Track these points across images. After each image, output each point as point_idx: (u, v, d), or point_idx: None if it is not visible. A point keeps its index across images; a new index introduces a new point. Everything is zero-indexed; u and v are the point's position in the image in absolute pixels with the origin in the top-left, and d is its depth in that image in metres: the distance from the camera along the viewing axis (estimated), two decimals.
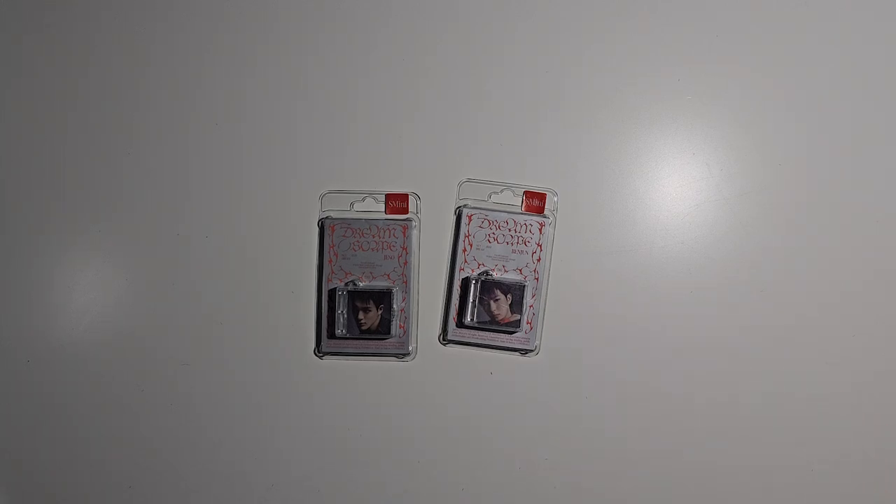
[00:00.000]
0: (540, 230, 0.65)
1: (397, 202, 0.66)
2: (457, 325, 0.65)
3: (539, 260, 0.65)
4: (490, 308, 0.64)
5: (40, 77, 0.68)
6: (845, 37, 0.67)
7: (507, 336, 0.65)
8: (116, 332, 0.67)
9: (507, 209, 0.66)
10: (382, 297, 0.64)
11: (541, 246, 0.65)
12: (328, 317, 0.65)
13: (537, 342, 0.65)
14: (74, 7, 0.68)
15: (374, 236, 0.65)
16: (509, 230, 0.65)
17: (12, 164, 0.67)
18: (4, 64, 0.68)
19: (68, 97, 0.68)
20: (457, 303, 0.65)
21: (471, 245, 0.66)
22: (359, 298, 0.64)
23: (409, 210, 0.66)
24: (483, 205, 0.66)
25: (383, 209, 0.66)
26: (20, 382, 0.67)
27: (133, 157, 0.67)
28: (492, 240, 0.65)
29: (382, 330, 0.64)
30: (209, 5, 0.68)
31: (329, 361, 0.66)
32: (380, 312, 0.64)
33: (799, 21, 0.67)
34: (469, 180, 0.66)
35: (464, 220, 0.65)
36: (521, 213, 0.65)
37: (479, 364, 0.66)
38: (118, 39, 0.68)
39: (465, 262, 0.66)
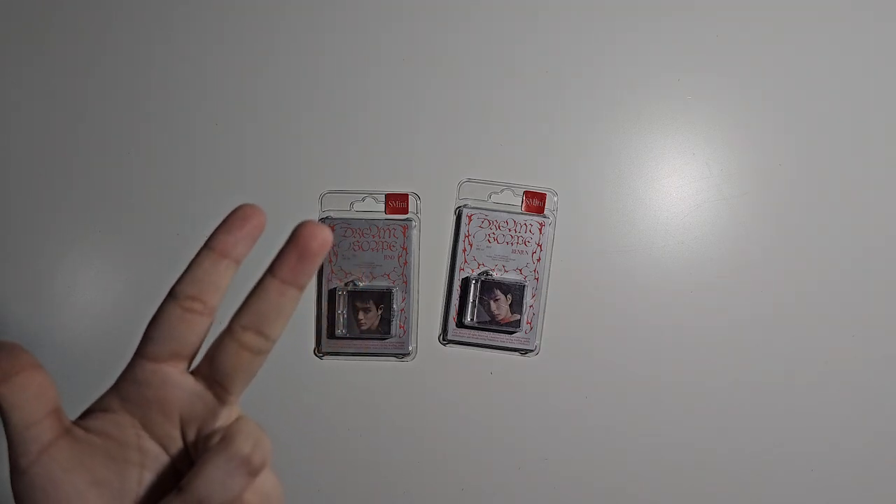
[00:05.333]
0: (540, 230, 0.65)
1: (397, 202, 0.66)
2: (457, 325, 0.65)
3: (539, 260, 0.65)
4: (490, 308, 0.64)
5: (41, 77, 0.68)
6: (846, 37, 0.67)
7: (507, 336, 0.65)
8: (117, 332, 0.67)
9: (507, 209, 0.66)
10: (382, 297, 0.64)
11: (541, 246, 0.65)
12: (328, 317, 0.65)
13: (537, 342, 0.65)
14: (77, 8, 0.68)
15: (374, 236, 0.65)
16: (509, 230, 0.65)
17: (13, 164, 0.67)
18: (6, 64, 0.68)
19: (69, 98, 0.68)
20: (457, 303, 0.65)
21: (471, 245, 0.66)
22: (359, 298, 0.64)
23: (409, 210, 0.66)
24: (483, 205, 0.66)
25: (383, 209, 0.66)
26: None
27: (133, 156, 0.67)
28: (492, 240, 0.65)
29: (382, 330, 0.64)
30: (210, 5, 0.68)
31: (329, 361, 0.66)
32: (380, 312, 0.64)
33: (799, 21, 0.67)
34: (469, 180, 0.66)
35: (464, 220, 0.65)
36: (521, 213, 0.65)
37: (479, 364, 0.66)
38: (119, 39, 0.68)
39: (465, 262, 0.66)
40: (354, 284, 0.65)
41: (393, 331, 0.65)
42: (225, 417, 0.29)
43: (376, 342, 0.65)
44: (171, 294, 0.29)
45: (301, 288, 0.28)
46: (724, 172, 0.67)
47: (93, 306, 0.67)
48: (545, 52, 0.67)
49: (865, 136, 0.66)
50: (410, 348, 0.66)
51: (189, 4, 0.68)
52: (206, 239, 0.64)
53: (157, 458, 0.29)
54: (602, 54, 0.67)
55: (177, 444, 0.29)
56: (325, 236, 0.28)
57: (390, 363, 0.66)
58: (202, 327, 0.29)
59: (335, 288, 0.65)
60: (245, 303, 0.29)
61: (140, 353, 0.29)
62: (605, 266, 0.66)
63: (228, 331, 0.29)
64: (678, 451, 0.65)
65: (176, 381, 0.29)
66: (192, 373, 0.30)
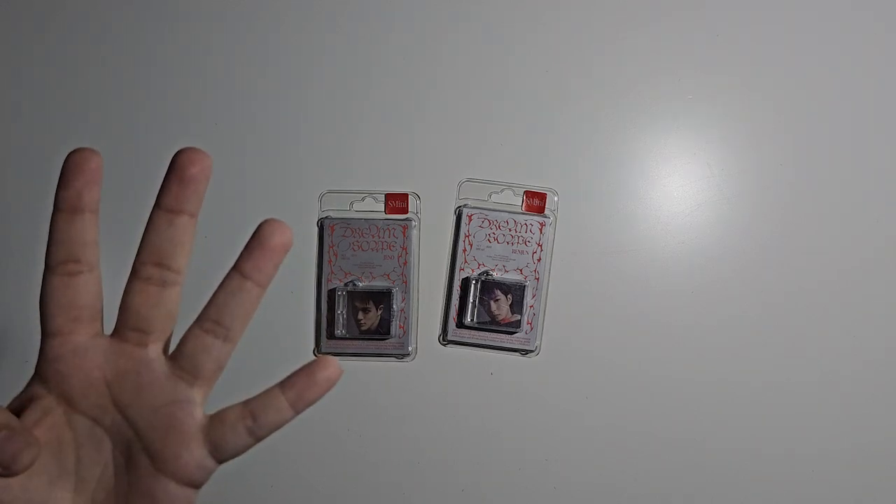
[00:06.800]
0: (540, 230, 0.65)
1: (397, 202, 0.66)
2: (457, 326, 0.65)
3: (539, 260, 0.65)
4: (490, 308, 0.64)
5: (42, 77, 0.68)
6: (846, 37, 0.67)
7: (507, 336, 0.65)
8: None
9: (508, 209, 0.65)
10: (382, 298, 0.64)
11: (541, 246, 0.65)
12: (328, 317, 0.65)
13: (537, 342, 0.65)
14: (78, 8, 0.68)
15: (373, 236, 0.65)
16: (509, 230, 0.65)
17: (13, 164, 0.67)
18: (7, 64, 0.68)
19: (69, 97, 0.68)
20: (457, 303, 0.65)
21: (471, 245, 0.65)
22: (358, 298, 0.64)
23: (409, 210, 0.66)
24: (483, 205, 0.66)
25: (383, 209, 0.66)
26: (20, 382, 0.67)
27: (133, 156, 0.67)
28: (492, 240, 0.65)
29: (382, 330, 0.64)
30: (210, 6, 0.68)
31: None
32: (379, 312, 0.64)
33: (799, 21, 0.67)
34: (469, 180, 0.66)
35: (464, 220, 0.65)
36: (522, 213, 0.65)
37: (479, 364, 0.66)
38: (120, 39, 0.68)
39: (465, 262, 0.65)
40: (354, 284, 0.65)
41: (393, 331, 0.65)
42: (158, 361, 0.29)
43: (376, 342, 0.65)
44: (46, 266, 0.28)
45: (191, 214, 0.29)
46: (724, 172, 0.66)
47: None
48: (545, 52, 0.67)
49: (865, 135, 0.66)
50: (410, 348, 0.66)
51: (189, 4, 0.68)
52: (205, 239, 0.64)
53: (90, 433, 0.29)
54: (602, 54, 0.67)
55: (109, 413, 0.29)
56: (204, 160, 0.28)
57: (390, 363, 0.66)
58: (89, 285, 0.29)
59: (335, 288, 0.65)
60: (141, 241, 0.29)
61: (44, 332, 0.29)
62: (605, 266, 0.66)
63: (132, 273, 0.29)
64: (678, 451, 0.65)
65: (87, 345, 0.29)
66: (113, 333, 0.29)
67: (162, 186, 0.28)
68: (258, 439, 0.29)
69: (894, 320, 0.65)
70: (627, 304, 0.66)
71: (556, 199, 0.66)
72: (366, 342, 0.65)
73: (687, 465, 0.65)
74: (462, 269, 0.65)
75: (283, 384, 0.29)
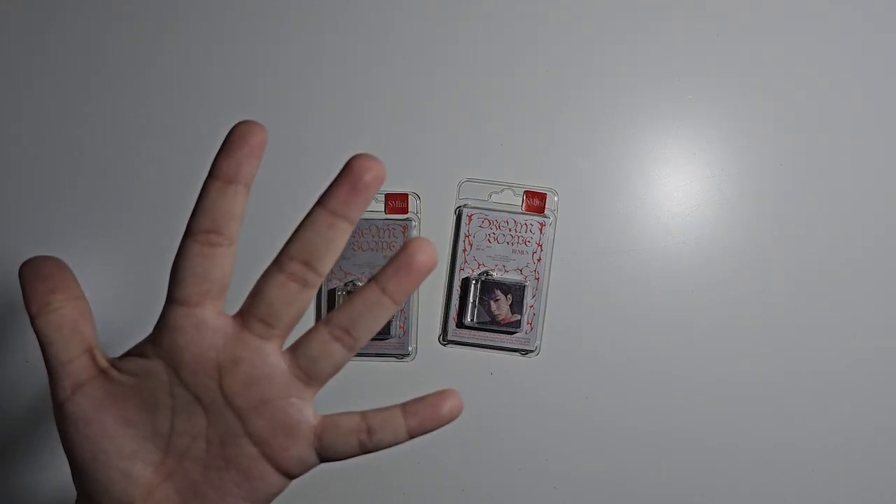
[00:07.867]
0: (540, 230, 0.65)
1: (397, 202, 0.66)
2: (457, 326, 0.65)
3: (539, 260, 0.65)
4: (490, 308, 0.64)
5: (42, 77, 0.68)
6: (846, 37, 0.67)
7: (507, 336, 0.65)
8: (116, 332, 0.67)
9: (508, 209, 0.65)
10: None
11: (541, 246, 0.65)
12: None
13: (537, 342, 0.65)
14: (81, 8, 0.68)
15: (373, 236, 0.65)
16: (509, 230, 0.65)
17: (13, 164, 0.67)
18: (6, 64, 0.68)
19: (70, 98, 0.68)
20: (457, 303, 0.65)
21: (471, 245, 0.65)
22: None
23: (409, 210, 0.66)
24: (483, 204, 0.66)
25: (383, 209, 0.66)
26: (20, 382, 0.67)
27: (133, 156, 0.67)
28: (492, 240, 0.65)
29: (382, 330, 0.64)
30: (210, 5, 0.68)
31: None
32: None
33: (800, 21, 0.67)
34: (469, 180, 0.66)
35: (464, 220, 0.65)
36: (522, 213, 0.65)
37: (479, 364, 0.66)
38: (122, 40, 0.68)
39: (465, 262, 0.65)
40: (354, 285, 0.65)
41: (393, 331, 0.65)
42: (274, 356, 0.29)
43: (376, 342, 0.65)
44: (188, 232, 0.28)
45: (352, 222, 0.28)
46: (725, 172, 0.66)
47: (93, 306, 0.67)
48: (545, 51, 0.67)
49: (866, 135, 0.66)
50: (410, 348, 0.66)
51: (189, 3, 0.68)
52: None
53: (188, 407, 0.28)
54: (602, 54, 0.67)
55: (212, 394, 0.28)
56: (379, 170, 0.28)
57: (390, 363, 0.66)
58: (225, 259, 0.28)
59: (335, 288, 0.65)
60: (294, 234, 0.28)
61: (170, 298, 0.28)
62: (605, 266, 0.66)
63: (275, 262, 0.28)
64: (679, 451, 0.65)
65: (210, 323, 0.28)
66: (237, 315, 0.29)
67: (331, 187, 0.28)
68: (366, 452, 0.29)
69: (894, 320, 0.65)
70: (627, 304, 0.66)
71: (556, 199, 0.66)
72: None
73: (687, 464, 0.65)
74: (462, 269, 0.66)
75: (406, 408, 0.29)
